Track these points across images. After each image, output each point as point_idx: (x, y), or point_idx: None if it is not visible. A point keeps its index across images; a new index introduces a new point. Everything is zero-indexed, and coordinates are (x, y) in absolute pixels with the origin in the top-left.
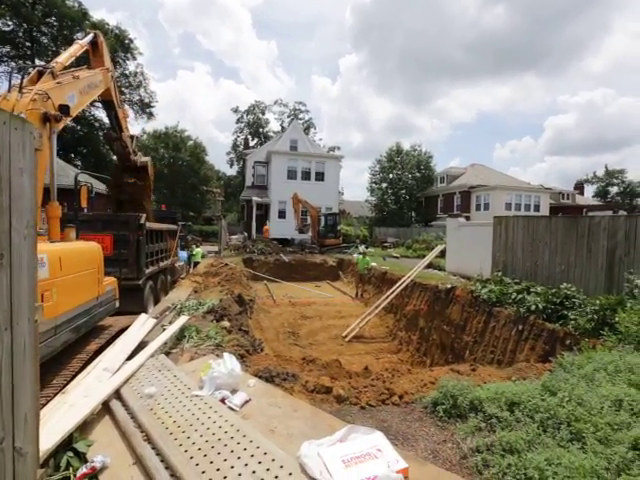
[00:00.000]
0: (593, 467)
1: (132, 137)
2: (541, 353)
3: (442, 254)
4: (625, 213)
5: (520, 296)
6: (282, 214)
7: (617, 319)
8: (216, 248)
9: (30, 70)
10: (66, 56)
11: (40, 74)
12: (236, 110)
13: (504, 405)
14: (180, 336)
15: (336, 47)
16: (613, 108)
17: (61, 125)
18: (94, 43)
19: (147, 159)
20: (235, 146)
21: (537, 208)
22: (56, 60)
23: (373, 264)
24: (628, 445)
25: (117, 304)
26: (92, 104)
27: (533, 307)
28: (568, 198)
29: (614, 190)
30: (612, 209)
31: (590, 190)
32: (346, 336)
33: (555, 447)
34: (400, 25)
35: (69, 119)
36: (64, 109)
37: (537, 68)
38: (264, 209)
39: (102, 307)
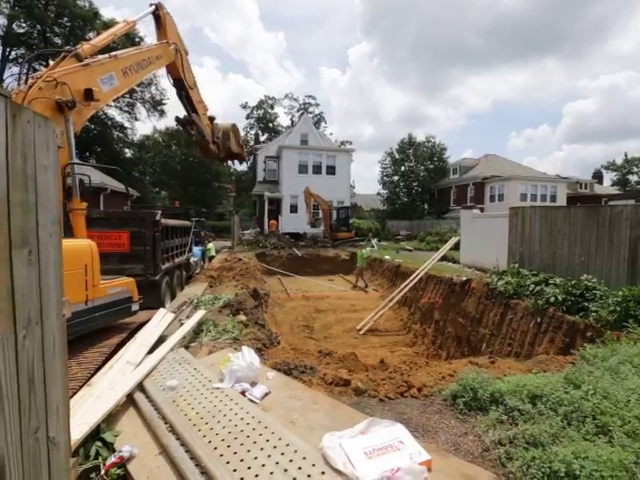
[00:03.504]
0: (621, 461)
1: (212, 119)
2: (561, 346)
3: (456, 246)
4: None
5: (538, 288)
6: (294, 208)
7: None
8: (229, 243)
9: (36, 59)
10: (104, 36)
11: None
12: (245, 106)
13: (526, 398)
14: (198, 330)
15: (345, 37)
16: (638, 92)
17: (87, 111)
18: (157, 16)
19: (228, 126)
20: (245, 142)
21: (553, 198)
22: (87, 42)
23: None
24: None
25: (135, 307)
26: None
27: (552, 299)
28: (586, 188)
29: (634, 179)
30: (634, 198)
31: (608, 179)
32: (360, 329)
33: (581, 440)
34: (413, 9)
35: (102, 104)
36: (88, 93)
37: (557, 52)
38: (276, 204)
39: (99, 312)
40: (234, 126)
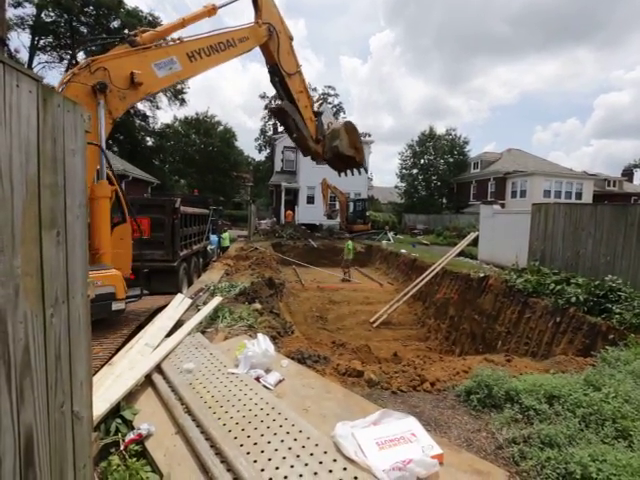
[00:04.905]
0: None
1: (317, 114)
2: (580, 347)
3: (474, 242)
4: None
5: (559, 287)
6: (311, 199)
7: None
8: (245, 232)
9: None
10: (171, 23)
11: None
12: (264, 96)
13: (542, 397)
14: (214, 316)
15: (367, 25)
16: None
17: (134, 96)
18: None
19: (340, 124)
20: (263, 132)
21: (579, 196)
22: (151, 29)
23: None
24: None
25: (118, 305)
26: None
27: (573, 299)
28: (615, 185)
29: None
30: None
31: (639, 177)
32: (374, 322)
33: (599, 443)
34: None
35: (154, 89)
36: (132, 77)
37: (591, 41)
38: (293, 194)
39: None
40: (348, 124)
